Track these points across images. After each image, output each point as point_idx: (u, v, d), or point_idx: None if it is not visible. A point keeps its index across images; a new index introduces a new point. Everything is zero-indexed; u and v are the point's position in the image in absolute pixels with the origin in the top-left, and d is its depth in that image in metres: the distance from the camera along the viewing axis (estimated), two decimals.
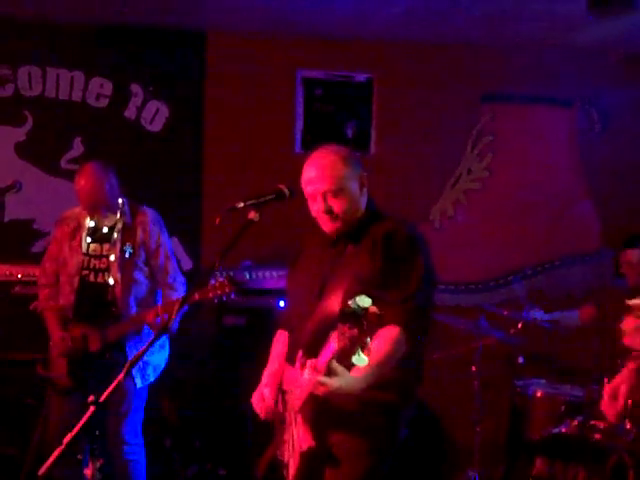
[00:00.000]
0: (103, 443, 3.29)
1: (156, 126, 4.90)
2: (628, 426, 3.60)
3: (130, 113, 4.87)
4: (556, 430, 3.67)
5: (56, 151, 4.77)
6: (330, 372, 2.13)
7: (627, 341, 3.19)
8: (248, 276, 4.23)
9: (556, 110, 5.31)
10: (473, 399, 4.38)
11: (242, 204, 2.44)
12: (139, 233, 3.67)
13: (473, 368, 4.40)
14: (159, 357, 3.72)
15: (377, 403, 2.36)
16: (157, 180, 4.80)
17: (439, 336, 4.76)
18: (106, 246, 3.68)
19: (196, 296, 3.26)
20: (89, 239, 3.71)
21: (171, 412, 4.54)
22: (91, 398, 2.16)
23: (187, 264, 4.84)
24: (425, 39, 5.05)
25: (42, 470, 2.09)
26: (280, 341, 2.72)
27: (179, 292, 3.69)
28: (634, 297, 4.21)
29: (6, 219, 4.74)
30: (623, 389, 2.78)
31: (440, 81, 5.17)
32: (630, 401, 2.82)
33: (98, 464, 2.12)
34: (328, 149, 2.58)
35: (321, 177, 2.49)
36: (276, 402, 2.55)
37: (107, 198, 3.65)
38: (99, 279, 3.66)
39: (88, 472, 2.13)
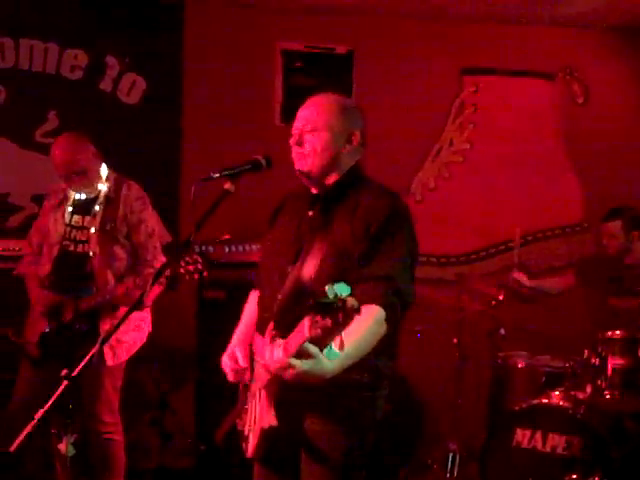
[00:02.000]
0: (77, 418, 3.26)
1: (133, 98, 4.82)
2: (608, 396, 3.63)
3: (106, 85, 4.79)
4: (536, 401, 3.68)
5: (30, 124, 4.68)
6: (302, 354, 1.99)
7: None
8: (227, 250, 4.19)
9: (538, 82, 5.28)
10: (454, 371, 4.39)
11: (217, 174, 2.35)
12: (121, 207, 3.61)
13: (454, 340, 4.40)
14: (133, 336, 3.66)
15: (348, 384, 2.22)
16: (134, 153, 4.71)
17: (421, 309, 4.79)
18: (88, 218, 3.63)
19: (167, 272, 3.21)
20: (71, 209, 3.66)
21: (150, 387, 4.52)
22: (64, 372, 2.12)
23: (166, 238, 4.76)
24: (406, 11, 4.99)
25: (14, 446, 2.05)
26: (253, 302, 2.58)
27: None
28: (615, 267, 4.23)
29: None
30: None
31: (421, 53, 5.12)
32: None
33: (72, 439, 2.07)
34: (331, 93, 2.45)
35: (306, 113, 2.38)
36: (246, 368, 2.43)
37: (83, 168, 3.57)
38: (78, 250, 3.61)
39: (62, 447, 2.08)
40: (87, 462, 3.58)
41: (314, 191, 2.42)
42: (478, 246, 5.23)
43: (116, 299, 3.52)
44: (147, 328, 3.76)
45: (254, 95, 4.96)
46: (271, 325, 2.23)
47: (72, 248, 3.63)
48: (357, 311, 1.82)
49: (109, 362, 3.53)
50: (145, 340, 3.73)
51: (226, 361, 2.46)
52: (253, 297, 2.62)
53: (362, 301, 2.08)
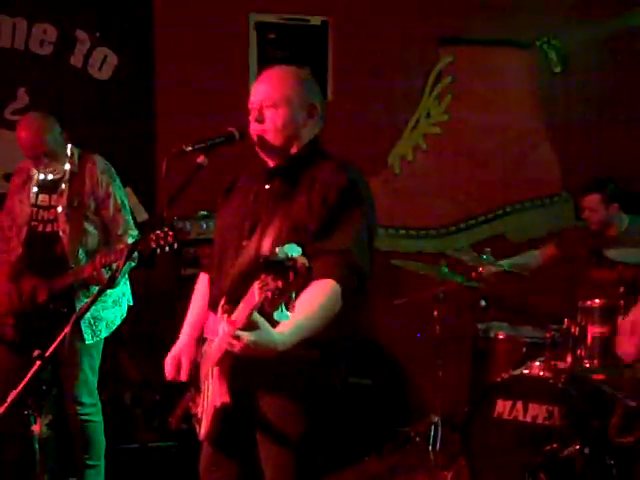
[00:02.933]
0: (52, 399, 3.22)
1: (105, 74, 4.71)
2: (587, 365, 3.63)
3: (76, 60, 4.67)
4: (517, 371, 3.68)
5: None
6: (249, 325, 1.92)
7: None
8: (204, 226, 4.13)
9: (515, 51, 5.24)
10: (435, 344, 4.38)
11: (190, 147, 2.28)
12: (87, 182, 3.55)
13: (435, 313, 4.39)
14: (113, 313, 3.62)
15: (301, 360, 2.15)
16: (107, 130, 4.60)
17: (401, 282, 4.80)
18: (54, 196, 3.57)
19: (139, 246, 3.16)
20: (36, 189, 3.60)
21: (130, 366, 4.48)
22: (36, 352, 2.09)
23: (141, 215, 4.73)
24: None
25: None
26: (202, 286, 2.53)
27: None
28: (597, 241, 4.22)
29: None
30: None
31: (397, 24, 5.05)
32: None
33: (46, 420, 2.04)
34: (285, 66, 2.39)
35: (264, 87, 2.32)
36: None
37: (49, 148, 3.51)
38: (47, 229, 3.56)
39: (36, 429, 2.05)
40: (67, 443, 3.56)
41: (271, 164, 2.37)
42: (458, 218, 5.21)
43: (88, 278, 3.46)
44: (127, 302, 3.72)
45: (228, 68, 4.87)
46: (223, 300, 2.16)
47: (41, 228, 3.57)
48: (309, 269, 1.76)
49: (88, 340, 3.50)
50: (125, 314, 3.69)
51: (169, 364, 2.43)
52: (202, 282, 2.56)
53: (317, 275, 2.08)
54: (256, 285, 1.79)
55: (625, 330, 2.89)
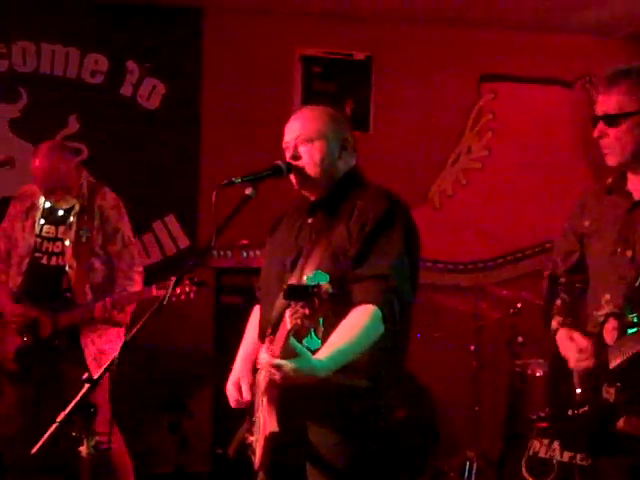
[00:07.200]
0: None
1: (153, 103, 4.84)
2: None
3: (126, 90, 4.81)
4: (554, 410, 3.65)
5: (51, 128, 4.68)
6: (286, 353, 1.94)
7: None
8: (245, 255, 4.19)
9: (557, 90, 5.26)
10: (472, 379, 4.37)
11: (239, 179, 2.34)
12: (96, 217, 3.50)
13: (472, 348, 4.38)
14: (116, 348, 3.60)
15: (348, 388, 2.15)
16: (154, 158, 4.75)
17: (438, 316, 4.79)
18: (61, 229, 3.50)
19: (153, 291, 3.20)
20: (43, 220, 3.53)
21: (169, 391, 4.51)
22: (85, 375, 2.14)
23: (184, 242, 4.81)
24: (424, 18, 4.99)
25: (35, 449, 2.06)
26: (255, 318, 2.57)
27: (134, 281, 3.54)
28: None
29: None
30: None
31: (440, 60, 5.11)
32: None
33: (93, 442, 2.09)
34: (315, 105, 2.48)
35: (298, 124, 2.37)
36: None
37: (63, 180, 3.47)
38: (52, 262, 3.50)
39: (83, 449, 2.09)
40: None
41: (313, 199, 2.41)
42: (496, 253, 5.21)
43: (97, 318, 3.41)
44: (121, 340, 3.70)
45: (273, 100, 4.96)
46: (269, 331, 2.21)
47: (45, 261, 3.51)
48: (333, 296, 1.79)
49: (95, 375, 3.49)
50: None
51: (231, 390, 2.46)
52: (255, 313, 2.61)
53: (358, 301, 2.13)
54: (287, 313, 1.83)
55: None
